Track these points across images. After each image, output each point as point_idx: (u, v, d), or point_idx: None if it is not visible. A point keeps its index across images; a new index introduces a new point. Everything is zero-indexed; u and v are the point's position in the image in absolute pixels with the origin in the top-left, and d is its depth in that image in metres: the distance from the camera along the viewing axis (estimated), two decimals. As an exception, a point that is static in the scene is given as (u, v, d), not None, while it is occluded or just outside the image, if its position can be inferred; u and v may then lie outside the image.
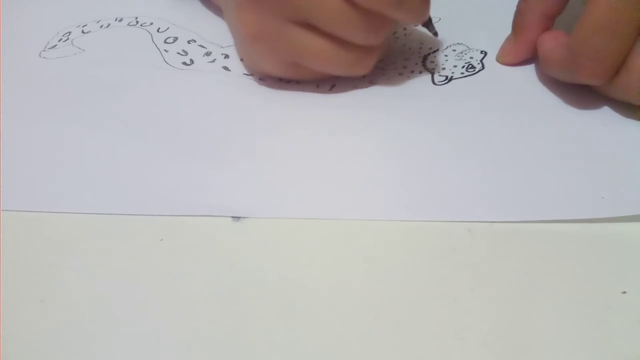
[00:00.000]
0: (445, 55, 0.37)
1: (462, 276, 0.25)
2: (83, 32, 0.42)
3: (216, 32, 0.40)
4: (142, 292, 0.25)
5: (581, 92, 0.32)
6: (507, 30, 0.35)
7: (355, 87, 0.35)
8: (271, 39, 0.32)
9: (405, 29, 0.39)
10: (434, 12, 0.38)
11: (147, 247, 0.27)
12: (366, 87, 0.35)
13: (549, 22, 0.34)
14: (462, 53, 0.37)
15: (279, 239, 0.27)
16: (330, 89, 0.35)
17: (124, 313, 0.25)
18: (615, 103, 0.31)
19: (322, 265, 0.26)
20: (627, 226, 0.26)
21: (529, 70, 0.35)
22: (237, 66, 0.37)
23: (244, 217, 0.28)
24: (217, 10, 0.42)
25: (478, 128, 0.31)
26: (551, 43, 0.32)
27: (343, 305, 0.24)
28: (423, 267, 0.26)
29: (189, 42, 0.40)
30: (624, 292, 0.24)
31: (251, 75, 0.36)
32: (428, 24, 0.35)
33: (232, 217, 0.28)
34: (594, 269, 0.25)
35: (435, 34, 0.37)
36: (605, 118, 0.31)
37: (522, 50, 0.35)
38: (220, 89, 0.36)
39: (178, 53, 0.39)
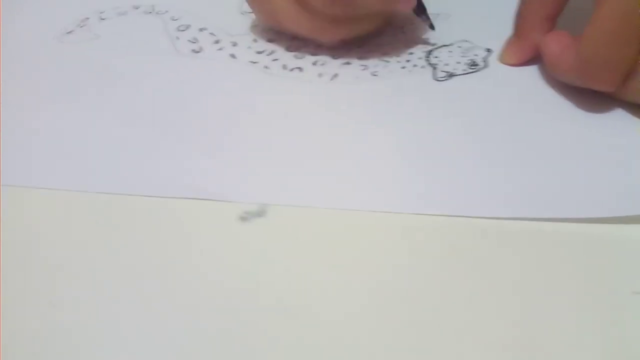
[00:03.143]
0: (450, 52, 0.37)
1: (468, 275, 0.25)
2: (101, 18, 0.43)
3: (227, 19, 0.41)
4: (142, 292, 0.25)
5: (586, 92, 0.32)
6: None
7: (357, 77, 0.35)
8: None
9: (412, 23, 0.39)
10: (445, 9, 0.38)
11: (147, 246, 0.27)
12: (368, 78, 0.35)
13: (550, 23, 0.33)
14: (467, 50, 0.37)
15: (278, 238, 0.27)
16: (332, 79, 0.35)
17: (124, 312, 0.24)
18: (621, 103, 0.31)
19: (325, 264, 0.26)
20: (639, 227, 0.26)
21: (532, 68, 0.35)
22: (244, 54, 0.38)
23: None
24: None
25: (475, 126, 0.31)
26: (556, 47, 0.32)
27: (346, 304, 0.24)
28: (429, 266, 0.25)
29: (200, 30, 0.40)
30: (635, 293, 0.24)
31: (257, 62, 0.37)
32: (421, 13, 0.36)
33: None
34: (604, 269, 0.25)
35: (431, 26, 0.37)
36: (610, 117, 0.31)
37: (524, 52, 0.35)
38: (226, 76, 0.36)
39: (189, 41, 0.40)
